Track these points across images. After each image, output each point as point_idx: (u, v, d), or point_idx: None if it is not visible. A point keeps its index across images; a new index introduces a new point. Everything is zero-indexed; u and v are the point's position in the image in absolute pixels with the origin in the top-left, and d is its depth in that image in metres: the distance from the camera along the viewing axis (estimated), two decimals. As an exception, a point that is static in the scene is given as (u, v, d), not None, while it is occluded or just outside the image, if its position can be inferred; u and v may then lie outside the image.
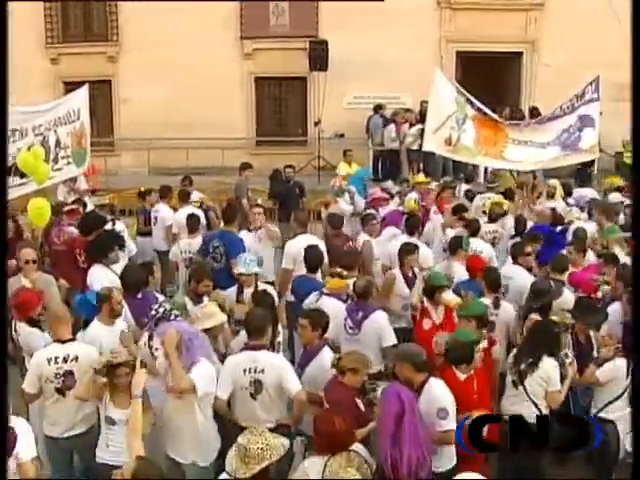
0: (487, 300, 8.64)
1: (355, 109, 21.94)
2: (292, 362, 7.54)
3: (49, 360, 6.95)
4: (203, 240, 11.02)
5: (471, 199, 13.62)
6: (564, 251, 10.27)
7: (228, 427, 6.84)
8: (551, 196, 13.62)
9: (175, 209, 13.28)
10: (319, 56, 20.97)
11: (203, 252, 10.70)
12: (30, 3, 20.19)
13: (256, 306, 8.07)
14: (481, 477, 4.84)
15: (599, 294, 9.22)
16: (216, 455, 6.64)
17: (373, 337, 8.20)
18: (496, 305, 8.72)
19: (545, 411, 7.23)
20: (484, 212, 12.59)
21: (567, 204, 13.28)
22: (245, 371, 6.85)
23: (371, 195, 14.23)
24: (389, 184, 15.48)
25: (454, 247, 10.30)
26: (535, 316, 8.24)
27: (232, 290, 9.07)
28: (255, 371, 6.84)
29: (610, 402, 7.47)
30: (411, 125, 20.17)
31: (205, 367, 6.54)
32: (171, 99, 21.06)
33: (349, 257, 9.95)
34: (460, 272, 9.68)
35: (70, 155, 12.97)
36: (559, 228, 11.84)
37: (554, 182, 14.03)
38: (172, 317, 7.27)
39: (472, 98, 12.72)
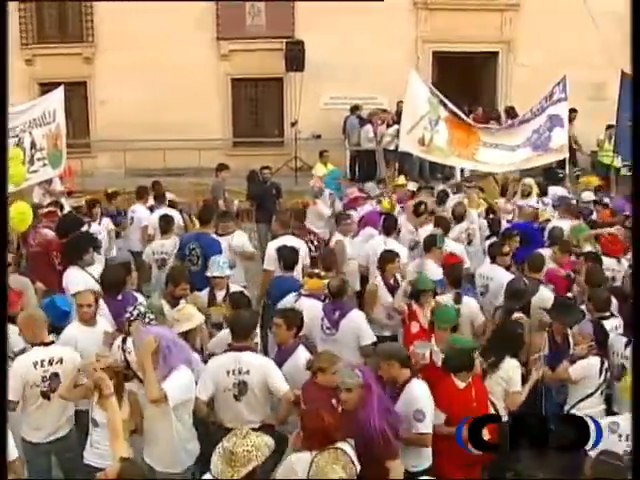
0: (449, 295, 8.72)
1: (331, 110, 21.93)
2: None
3: (35, 364, 6.92)
4: (180, 242, 10.99)
5: (443, 199, 13.68)
6: (548, 251, 10.36)
7: (210, 429, 6.82)
8: (527, 195, 13.70)
9: (152, 210, 13.26)
10: (295, 57, 20.94)
11: (180, 255, 10.69)
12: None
13: (233, 307, 8.11)
14: None
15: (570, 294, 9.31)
16: (194, 460, 6.60)
17: (351, 336, 8.23)
18: (457, 301, 8.76)
19: (502, 412, 7.24)
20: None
21: (542, 203, 13.35)
22: (229, 372, 6.84)
23: (348, 195, 14.27)
24: (370, 185, 15.48)
25: (428, 245, 10.35)
26: (519, 315, 8.31)
27: (205, 293, 9.12)
28: (240, 372, 6.83)
29: (582, 399, 7.53)
30: (388, 126, 20.23)
31: (182, 375, 6.43)
32: (147, 100, 20.95)
33: (327, 258, 9.98)
34: (433, 270, 9.67)
35: (46, 157, 12.87)
36: (535, 226, 11.93)
37: (529, 181, 14.12)
38: (147, 320, 7.24)
39: (445, 100, 12.78)
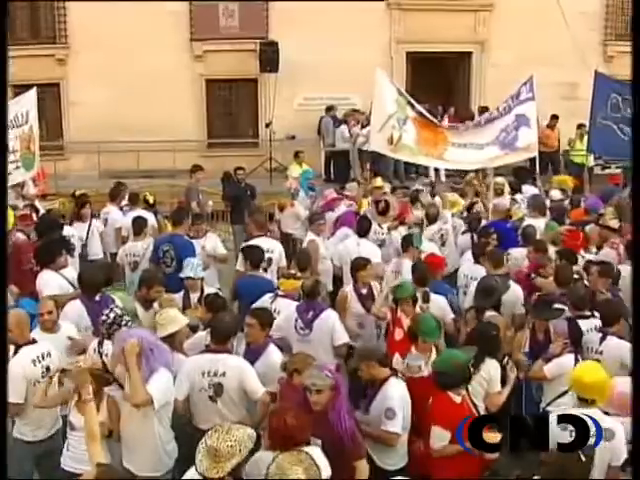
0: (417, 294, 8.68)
1: (306, 110, 21.94)
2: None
3: (34, 361, 6.95)
4: (154, 245, 10.95)
5: (416, 198, 13.74)
6: (523, 250, 10.43)
7: (187, 432, 6.76)
8: (499, 193, 13.76)
9: (122, 210, 13.27)
10: (269, 58, 20.92)
11: (154, 258, 10.66)
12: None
13: (209, 309, 8.10)
14: None
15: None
16: (174, 462, 6.58)
17: (324, 336, 8.21)
18: (425, 299, 8.77)
19: (482, 413, 7.18)
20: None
21: (514, 201, 13.43)
22: (204, 373, 6.81)
23: (326, 196, 14.27)
24: (353, 185, 15.45)
25: (405, 245, 10.37)
26: (491, 313, 8.34)
27: (179, 295, 9.09)
28: (216, 374, 6.80)
29: (558, 397, 7.56)
30: (362, 126, 20.23)
31: (163, 377, 6.42)
32: (121, 102, 20.80)
33: (302, 258, 9.98)
34: (410, 270, 9.62)
35: (19, 159, 12.74)
36: (509, 225, 11.98)
37: (501, 180, 14.19)
38: (123, 323, 7.22)
39: (413, 101, 12.78)
